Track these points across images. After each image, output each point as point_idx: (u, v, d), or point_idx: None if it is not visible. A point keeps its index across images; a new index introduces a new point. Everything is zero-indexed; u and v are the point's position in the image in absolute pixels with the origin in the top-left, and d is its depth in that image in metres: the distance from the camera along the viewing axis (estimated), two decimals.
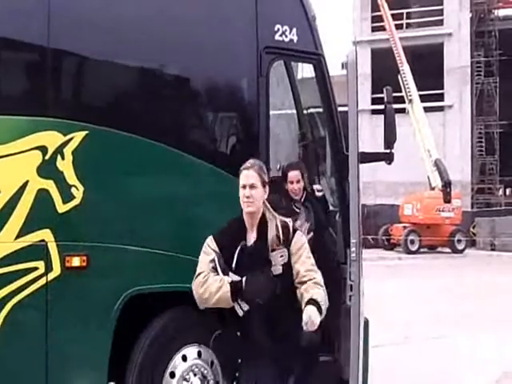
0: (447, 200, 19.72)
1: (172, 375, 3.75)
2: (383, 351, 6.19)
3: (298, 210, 4.38)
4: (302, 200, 4.43)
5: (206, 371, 3.83)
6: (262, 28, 3.96)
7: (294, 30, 4.08)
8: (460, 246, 20.97)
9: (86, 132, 3.47)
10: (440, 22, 27.57)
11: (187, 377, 3.78)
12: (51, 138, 3.40)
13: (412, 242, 20.64)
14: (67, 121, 3.46)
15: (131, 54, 3.73)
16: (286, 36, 4.04)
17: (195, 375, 3.80)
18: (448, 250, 20.94)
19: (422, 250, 20.79)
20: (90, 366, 3.50)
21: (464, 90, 27.27)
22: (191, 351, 3.80)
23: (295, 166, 4.50)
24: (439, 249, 21.42)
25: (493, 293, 10.98)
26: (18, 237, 3.32)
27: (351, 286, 3.95)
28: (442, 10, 27.54)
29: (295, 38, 4.08)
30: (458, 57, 26.99)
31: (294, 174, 4.39)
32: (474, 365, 6.21)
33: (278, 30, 4.02)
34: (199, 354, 3.83)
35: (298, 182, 4.39)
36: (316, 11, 4.37)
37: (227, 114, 4.12)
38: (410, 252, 20.29)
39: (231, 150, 4.13)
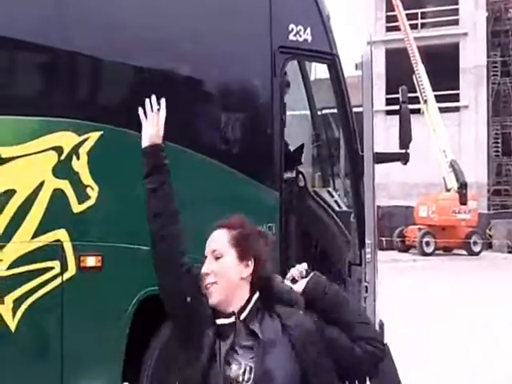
0: (463, 202, 19.52)
1: None
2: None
3: None
4: None
5: None
6: (276, 28, 3.95)
7: (309, 30, 4.06)
8: (476, 249, 20.76)
9: (101, 132, 3.48)
10: (455, 22, 27.34)
11: None
12: (67, 139, 3.42)
13: (427, 243, 20.47)
14: (82, 121, 3.47)
15: (145, 55, 3.73)
16: (300, 36, 4.03)
17: None
18: (464, 252, 20.75)
19: (437, 252, 20.62)
20: (104, 366, 3.51)
21: (480, 90, 27.02)
22: None
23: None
24: (455, 251, 21.23)
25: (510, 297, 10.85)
26: (33, 237, 3.35)
27: (366, 287, 3.93)
28: (457, 9, 27.32)
29: (309, 38, 4.07)
30: (473, 57, 26.75)
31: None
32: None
33: (292, 29, 4.01)
34: None
35: None
36: (330, 11, 4.36)
37: (241, 114, 4.11)
38: (425, 254, 20.13)
39: (245, 150, 4.12)
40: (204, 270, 1.85)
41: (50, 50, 3.52)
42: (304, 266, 1.94)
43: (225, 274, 1.82)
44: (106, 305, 3.51)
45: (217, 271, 1.83)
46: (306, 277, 1.91)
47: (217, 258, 1.85)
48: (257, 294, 1.83)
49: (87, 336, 3.46)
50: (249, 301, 1.82)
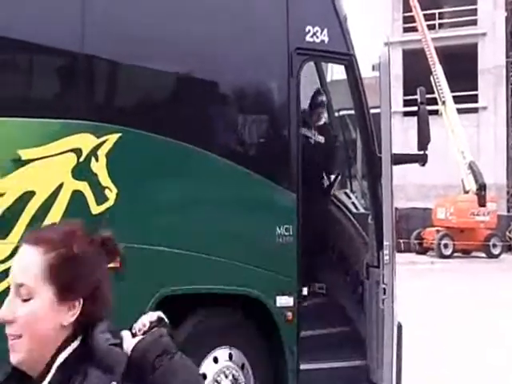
0: (482, 203, 19.30)
1: (203, 377, 3.75)
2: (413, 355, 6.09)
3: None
4: None
5: (237, 374, 3.83)
6: (293, 29, 3.95)
7: (326, 31, 4.06)
8: (495, 251, 20.49)
9: (120, 134, 3.51)
10: (474, 22, 27.08)
11: (218, 379, 3.78)
12: (85, 141, 3.45)
13: (445, 246, 20.27)
14: (101, 123, 3.50)
15: (163, 57, 3.76)
16: (317, 37, 4.03)
17: (226, 377, 3.80)
18: (483, 254, 20.51)
19: (455, 254, 20.42)
20: None
21: (499, 91, 26.71)
22: (223, 353, 3.81)
23: None
24: (473, 253, 20.99)
25: None
26: None
27: (384, 289, 3.91)
28: (475, 9, 27.06)
29: (326, 39, 4.06)
30: (492, 57, 26.46)
31: None
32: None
33: (309, 30, 4.00)
34: (230, 356, 3.83)
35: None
36: (347, 12, 4.34)
37: (258, 116, 4.12)
38: (443, 256, 19.93)
39: (262, 151, 4.13)
40: (4, 312, 1.19)
41: (69, 54, 3.56)
42: (156, 314, 1.32)
43: (34, 324, 1.16)
44: (124, 305, 3.53)
45: (23, 320, 1.17)
46: (148, 331, 1.27)
47: (24, 300, 1.18)
48: (74, 345, 1.19)
49: None
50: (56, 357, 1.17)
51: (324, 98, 4.79)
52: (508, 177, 26.68)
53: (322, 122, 4.76)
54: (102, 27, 3.55)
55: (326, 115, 4.82)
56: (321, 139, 4.81)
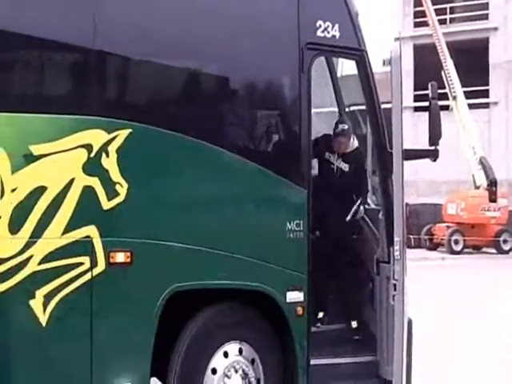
0: (493, 199, 19.16)
1: (213, 371, 3.77)
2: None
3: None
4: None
5: (247, 368, 3.84)
6: (303, 24, 3.94)
7: (337, 26, 4.04)
8: (506, 247, 20.36)
9: (130, 130, 3.51)
10: (485, 16, 26.84)
11: (228, 373, 3.80)
12: (96, 136, 3.46)
13: (456, 241, 20.18)
14: (112, 119, 3.51)
15: (173, 53, 3.76)
16: (328, 32, 4.01)
17: (236, 372, 3.81)
18: (493, 250, 20.40)
19: (466, 250, 20.32)
20: (132, 361, 3.55)
21: (510, 86, 26.47)
22: (232, 348, 3.82)
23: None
24: (484, 249, 20.88)
25: None
26: (64, 233, 3.40)
27: (395, 285, 3.90)
28: (487, 3, 26.81)
29: (337, 34, 4.05)
30: (503, 52, 26.22)
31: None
32: None
33: (320, 26, 3.99)
34: (240, 351, 3.84)
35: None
36: (358, 7, 4.32)
37: (268, 111, 4.11)
38: (453, 252, 19.84)
39: (272, 147, 4.12)
40: None
41: (80, 49, 3.56)
42: None
43: None
44: (135, 300, 3.55)
45: None
46: None
47: None
48: None
49: (116, 331, 3.50)
50: None
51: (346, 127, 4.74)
52: None
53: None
54: (114, 22, 3.56)
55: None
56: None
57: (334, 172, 4.70)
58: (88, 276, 3.42)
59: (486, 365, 6.24)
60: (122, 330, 3.51)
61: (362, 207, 4.61)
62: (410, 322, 4.10)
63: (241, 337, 3.83)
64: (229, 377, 3.79)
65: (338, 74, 5.44)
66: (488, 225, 20.44)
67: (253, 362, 3.87)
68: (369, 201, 4.90)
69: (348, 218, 4.53)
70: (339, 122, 4.82)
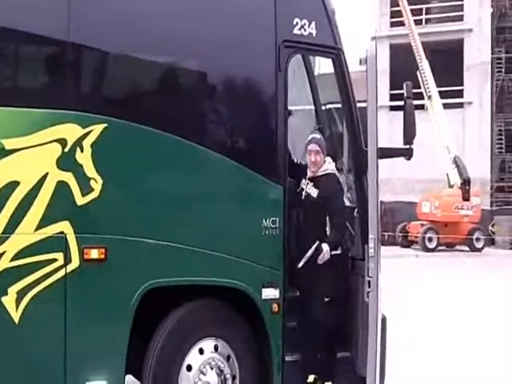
0: (466, 198, 19.50)
1: (189, 368, 3.76)
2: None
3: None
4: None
5: (222, 365, 3.84)
6: (280, 21, 3.94)
7: (313, 24, 4.05)
8: (479, 245, 20.73)
9: (105, 125, 3.48)
10: (460, 18, 27.21)
11: (204, 370, 3.79)
12: (70, 131, 3.42)
13: (430, 239, 20.46)
14: (86, 114, 3.48)
15: (150, 49, 3.73)
16: (305, 30, 4.02)
17: (212, 369, 3.81)
18: (466, 248, 20.73)
19: (439, 247, 20.61)
20: (108, 358, 3.52)
21: (484, 86, 26.91)
22: (208, 345, 3.81)
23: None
24: (457, 247, 21.22)
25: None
26: (37, 228, 3.35)
27: (369, 282, 3.93)
28: (462, 5, 27.18)
29: (314, 32, 4.06)
30: (478, 53, 26.63)
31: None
32: None
33: (297, 23, 4.00)
34: (216, 347, 3.84)
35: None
36: (335, 5, 4.34)
37: (245, 108, 4.10)
38: (427, 250, 20.12)
39: (249, 144, 4.12)
40: None
41: (53, 42, 3.51)
42: None
43: None
44: (110, 297, 3.52)
45: None
46: None
47: None
48: None
49: (90, 328, 3.47)
50: None
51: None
52: (492, 172, 26.94)
53: None
54: (89, 16, 3.51)
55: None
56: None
57: (303, 198, 4.31)
58: (62, 272, 3.38)
59: (458, 358, 6.35)
60: (97, 327, 3.48)
61: (325, 247, 4.10)
62: (383, 319, 4.14)
63: (216, 334, 3.83)
64: (204, 373, 3.79)
65: (315, 73, 5.46)
66: (461, 223, 20.77)
67: (228, 358, 3.87)
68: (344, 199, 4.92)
69: (300, 264, 4.07)
70: (314, 129, 4.67)
